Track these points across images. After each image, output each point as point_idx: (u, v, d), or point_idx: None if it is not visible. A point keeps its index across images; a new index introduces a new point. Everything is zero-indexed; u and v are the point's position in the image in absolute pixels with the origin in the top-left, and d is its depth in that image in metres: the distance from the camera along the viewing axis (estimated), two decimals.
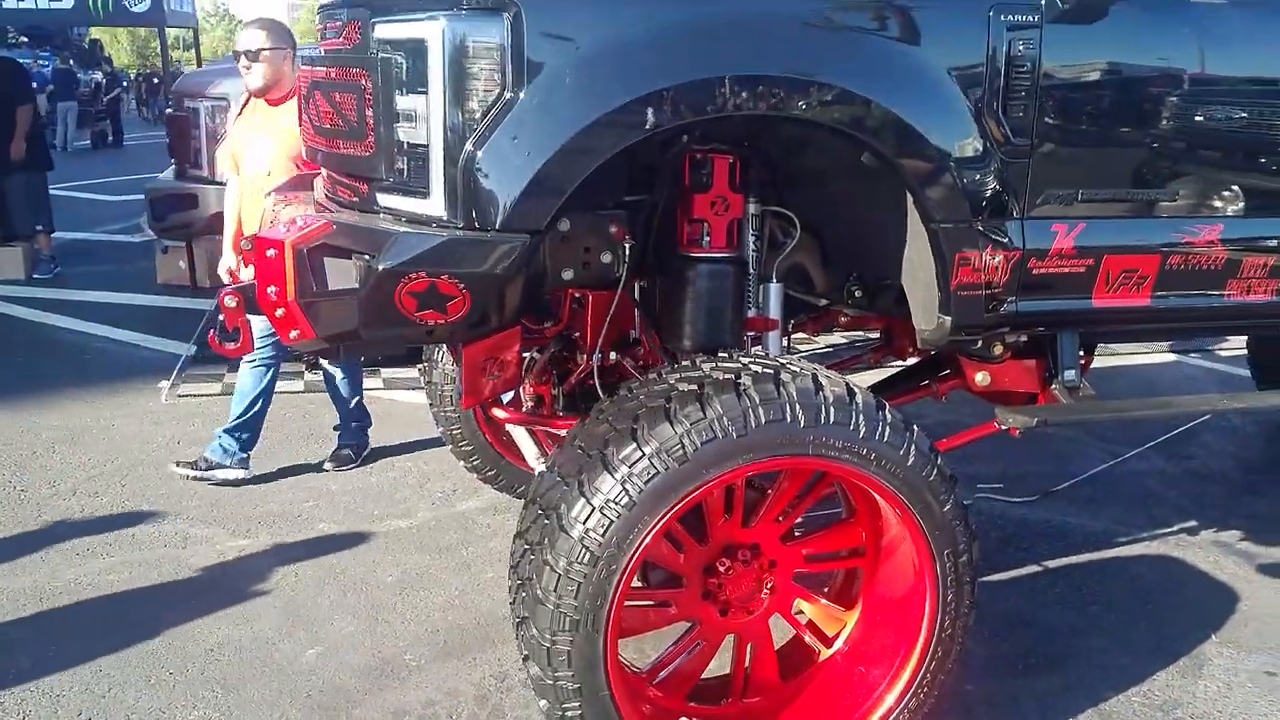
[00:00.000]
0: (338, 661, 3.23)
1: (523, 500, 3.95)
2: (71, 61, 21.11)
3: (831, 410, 2.33)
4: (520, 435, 3.64)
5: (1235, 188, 2.83)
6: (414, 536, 4.09)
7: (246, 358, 4.35)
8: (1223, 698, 3.15)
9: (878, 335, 3.87)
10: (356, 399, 4.84)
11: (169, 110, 6.54)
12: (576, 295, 3.07)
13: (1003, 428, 2.94)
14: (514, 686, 3.11)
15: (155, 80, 20.70)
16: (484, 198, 2.31)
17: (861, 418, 2.35)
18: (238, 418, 4.52)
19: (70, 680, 3.10)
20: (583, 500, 2.26)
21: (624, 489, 2.24)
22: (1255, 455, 5.39)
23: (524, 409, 3.65)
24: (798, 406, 2.30)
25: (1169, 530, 4.31)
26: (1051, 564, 3.99)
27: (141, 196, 7.31)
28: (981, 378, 3.10)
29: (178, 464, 4.54)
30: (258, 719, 2.95)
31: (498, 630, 3.40)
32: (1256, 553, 4.11)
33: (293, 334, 2.51)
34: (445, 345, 3.79)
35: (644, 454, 2.24)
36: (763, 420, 2.27)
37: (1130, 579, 3.90)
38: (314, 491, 4.51)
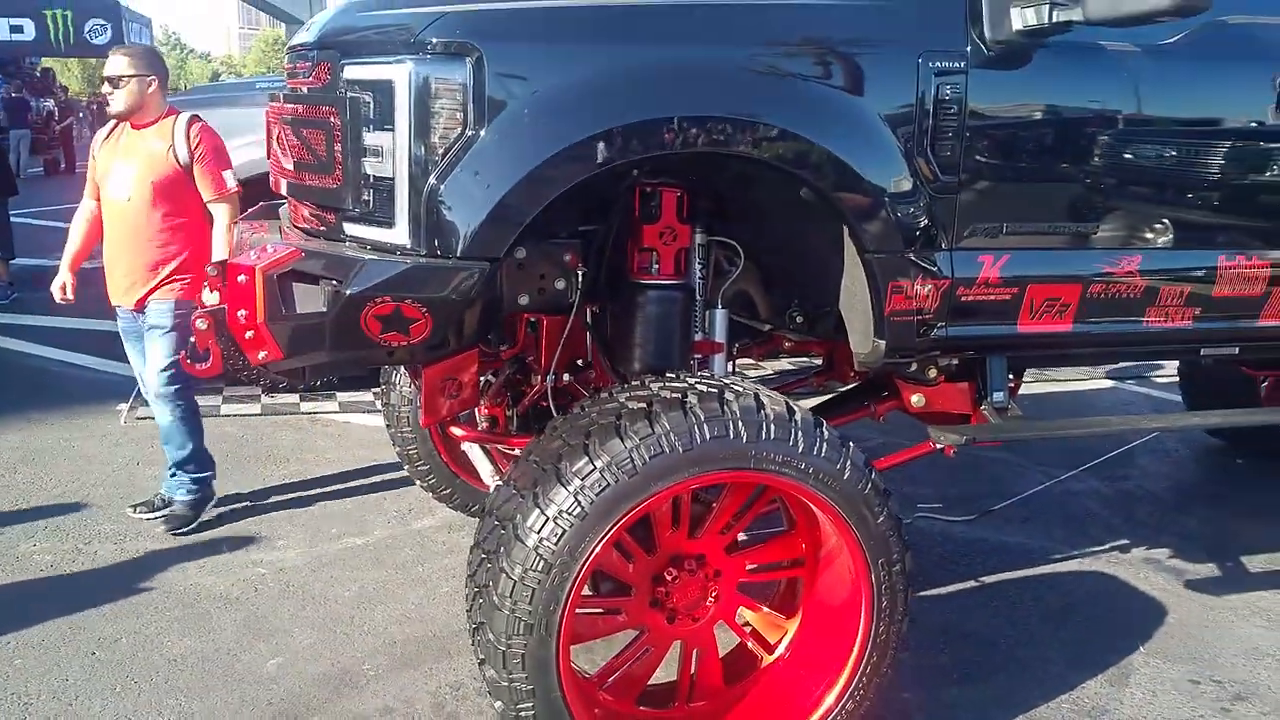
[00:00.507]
0: (298, 671, 3.32)
1: (477, 518, 4.10)
2: (24, 89, 21.01)
3: (772, 427, 2.49)
4: (476, 454, 3.76)
5: (1152, 222, 3.03)
6: (371, 553, 4.19)
7: (153, 393, 4.34)
8: (1148, 704, 3.33)
9: (820, 360, 4.04)
10: (195, 443, 4.43)
11: None
12: (531, 319, 3.21)
13: (938, 446, 3.12)
14: (469, 695, 3.22)
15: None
16: (446, 228, 2.46)
17: (800, 434, 2.52)
18: (180, 459, 4.41)
19: (38, 688, 3.18)
20: (537, 511, 2.40)
21: (576, 500, 2.38)
22: (1187, 476, 5.63)
23: (479, 429, 3.78)
24: (740, 423, 2.46)
25: (1101, 548, 4.51)
26: (987, 579, 4.17)
27: None
28: (917, 399, 3.28)
29: (134, 508, 4.44)
30: None
31: (453, 642, 3.52)
32: (1184, 569, 4.32)
33: (261, 355, 2.63)
34: (404, 367, 3.91)
35: (595, 467, 2.39)
36: (707, 436, 2.43)
37: (1063, 594, 4.08)
38: (273, 510, 4.60)
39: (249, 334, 2.60)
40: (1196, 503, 5.16)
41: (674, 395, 2.50)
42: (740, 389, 2.56)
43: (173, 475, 4.42)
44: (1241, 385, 5.36)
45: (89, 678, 3.26)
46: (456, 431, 3.36)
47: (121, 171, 4.27)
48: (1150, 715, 3.26)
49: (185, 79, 67.79)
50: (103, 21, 15.42)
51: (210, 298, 2.95)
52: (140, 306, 4.29)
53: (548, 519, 2.39)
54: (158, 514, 4.39)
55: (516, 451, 3.41)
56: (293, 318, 2.56)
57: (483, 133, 2.44)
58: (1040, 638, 3.71)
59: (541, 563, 2.38)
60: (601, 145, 2.45)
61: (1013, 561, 4.33)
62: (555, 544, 2.38)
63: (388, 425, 4.39)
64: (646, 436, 2.41)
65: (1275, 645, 3.68)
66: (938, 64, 2.70)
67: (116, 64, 4.25)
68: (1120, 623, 3.85)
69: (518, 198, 2.45)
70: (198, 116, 4.38)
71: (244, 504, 4.65)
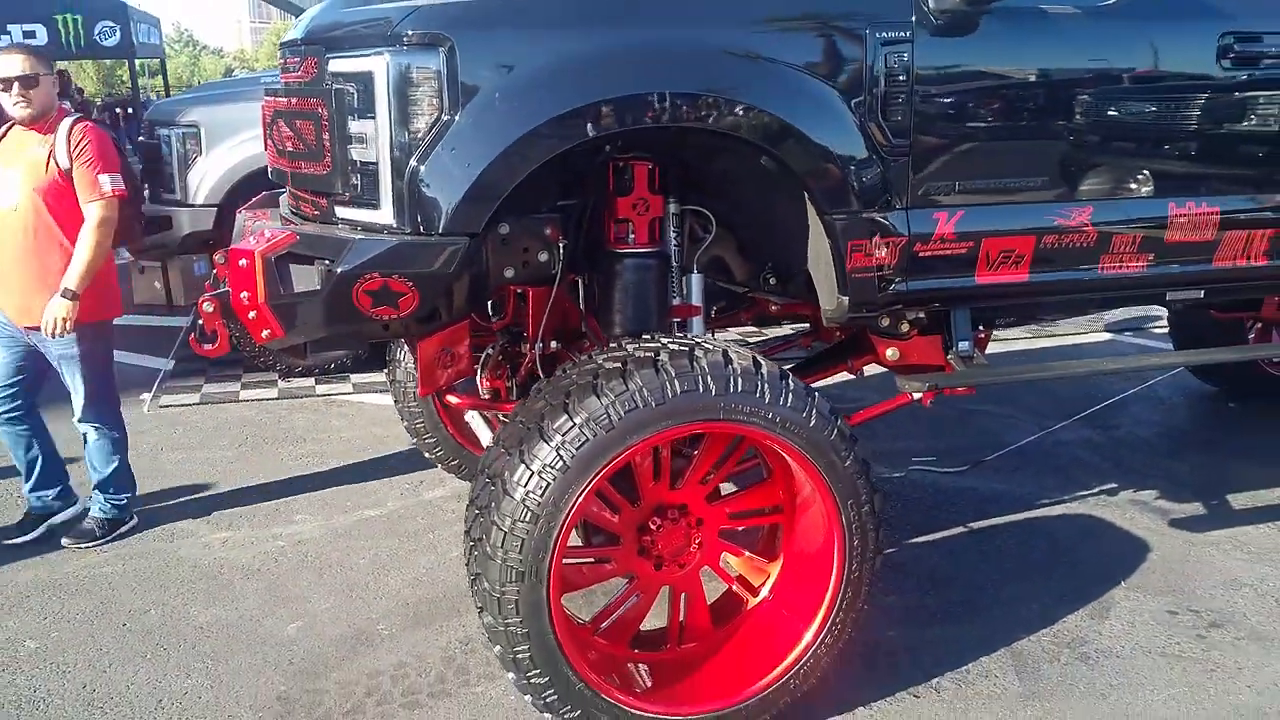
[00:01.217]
0: (317, 633, 3.53)
1: None
2: None
3: (739, 380, 2.66)
4: (478, 424, 3.95)
5: (1101, 174, 3.17)
6: (385, 524, 4.40)
7: (77, 417, 4.22)
8: (1126, 634, 3.49)
9: (808, 323, 4.21)
10: (116, 464, 4.29)
11: (142, 138, 6.84)
12: (519, 291, 3.39)
13: (915, 396, 3.28)
14: (477, 649, 3.42)
15: (118, 109, 20.88)
16: (428, 206, 2.64)
17: (766, 386, 2.69)
18: (100, 480, 4.30)
19: (74, 658, 3.40)
20: (523, 466, 2.59)
21: (559, 454, 2.56)
22: (1179, 422, 5.76)
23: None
24: (709, 377, 2.64)
25: (1089, 492, 4.66)
26: (976, 526, 4.33)
27: None
28: (891, 353, 3.43)
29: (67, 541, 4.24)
30: (245, 683, 3.26)
31: (463, 601, 3.71)
32: (1170, 509, 4.47)
33: (265, 333, 2.82)
34: (404, 342, 4.10)
35: (575, 423, 2.57)
36: (678, 390, 2.61)
37: (1048, 535, 4.25)
38: (290, 487, 4.81)
39: (252, 314, 2.79)
40: (1187, 448, 5.30)
41: (647, 354, 2.68)
42: (709, 346, 2.73)
43: (93, 494, 4.34)
44: (1228, 331, 5.49)
45: (121, 646, 3.48)
46: (453, 400, 3.55)
47: (8, 178, 3.99)
48: (1127, 644, 3.42)
49: (200, 75, 68.14)
50: (111, 23, 15.68)
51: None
52: (33, 329, 4.01)
53: (533, 473, 2.57)
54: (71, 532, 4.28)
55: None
56: (290, 297, 2.76)
57: (458, 116, 2.62)
58: (1025, 578, 3.87)
59: (529, 514, 2.57)
60: (568, 123, 2.63)
61: (1002, 509, 4.49)
62: (541, 496, 2.56)
63: (396, 401, 4.59)
64: (621, 393, 2.59)
65: (1253, 576, 3.84)
66: (885, 35, 2.84)
67: (17, 64, 3.92)
68: (1104, 561, 4.01)
69: (493, 175, 2.62)
70: (84, 117, 4.16)
71: (262, 482, 4.86)
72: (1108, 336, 7.35)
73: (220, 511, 4.53)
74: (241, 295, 2.80)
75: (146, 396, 6.10)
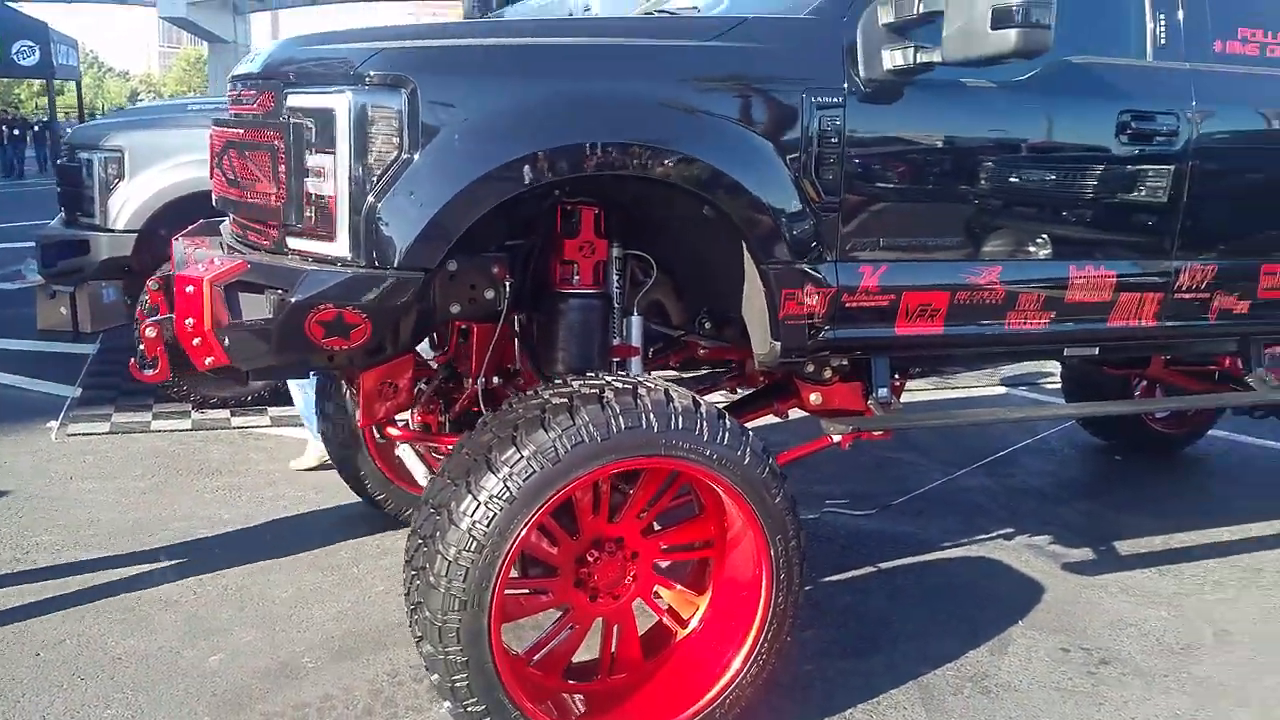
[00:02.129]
0: (239, 666, 3.52)
1: (410, 523, 4.34)
2: None
3: (680, 418, 2.79)
4: (410, 459, 3.99)
5: (1010, 236, 3.41)
6: (307, 559, 4.39)
7: None
8: (1023, 670, 3.69)
9: (734, 366, 4.37)
10: None
11: (61, 160, 6.74)
12: (463, 327, 3.48)
13: (833, 437, 3.45)
14: (405, 681, 3.45)
15: (18, 130, 20.31)
16: (383, 241, 2.72)
17: (705, 424, 2.83)
18: None
19: None
20: (470, 496, 2.66)
21: (505, 486, 2.65)
22: (1069, 473, 6.08)
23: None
24: (652, 415, 2.76)
25: (988, 536, 4.90)
26: (884, 566, 4.52)
27: (15, 246, 7.41)
28: (815, 398, 3.61)
29: None
30: (167, 714, 3.22)
31: (389, 635, 3.74)
32: (1062, 553, 4.73)
33: (208, 360, 2.86)
34: (340, 374, 4.14)
35: (522, 456, 2.67)
36: (623, 426, 2.72)
37: (951, 576, 4.46)
38: (207, 521, 4.75)
39: (196, 340, 2.83)
40: (1077, 497, 5.61)
41: (592, 391, 2.79)
42: (651, 385, 2.86)
43: None
44: (1116, 387, 5.84)
45: (37, 676, 3.41)
46: (393, 431, 3.60)
47: None
48: (1024, 678, 3.62)
49: (103, 98, 66.07)
50: (30, 43, 15.33)
51: None
52: None
53: (479, 503, 2.65)
54: None
55: (449, 449, 3.69)
56: (240, 324, 2.80)
57: (417, 156, 2.72)
58: (930, 616, 4.06)
59: (474, 543, 2.64)
60: (523, 168, 2.75)
61: (908, 550, 4.69)
62: (487, 526, 2.64)
63: (324, 435, 4.60)
64: (568, 427, 2.69)
65: (1138, 617, 4.09)
66: (820, 99, 3.05)
67: None
68: (1001, 601, 4.22)
69: (449, 215, 2.72)
70: None
71: (179, 514, 4.80)
72: (1003, 390, 7.71)
73: (135, 544, 4.46)
74: (186, 321, 2.83)
75: (54, 424, 5.97)
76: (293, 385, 5.34)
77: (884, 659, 3.72)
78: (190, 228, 4.01)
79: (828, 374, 3.50)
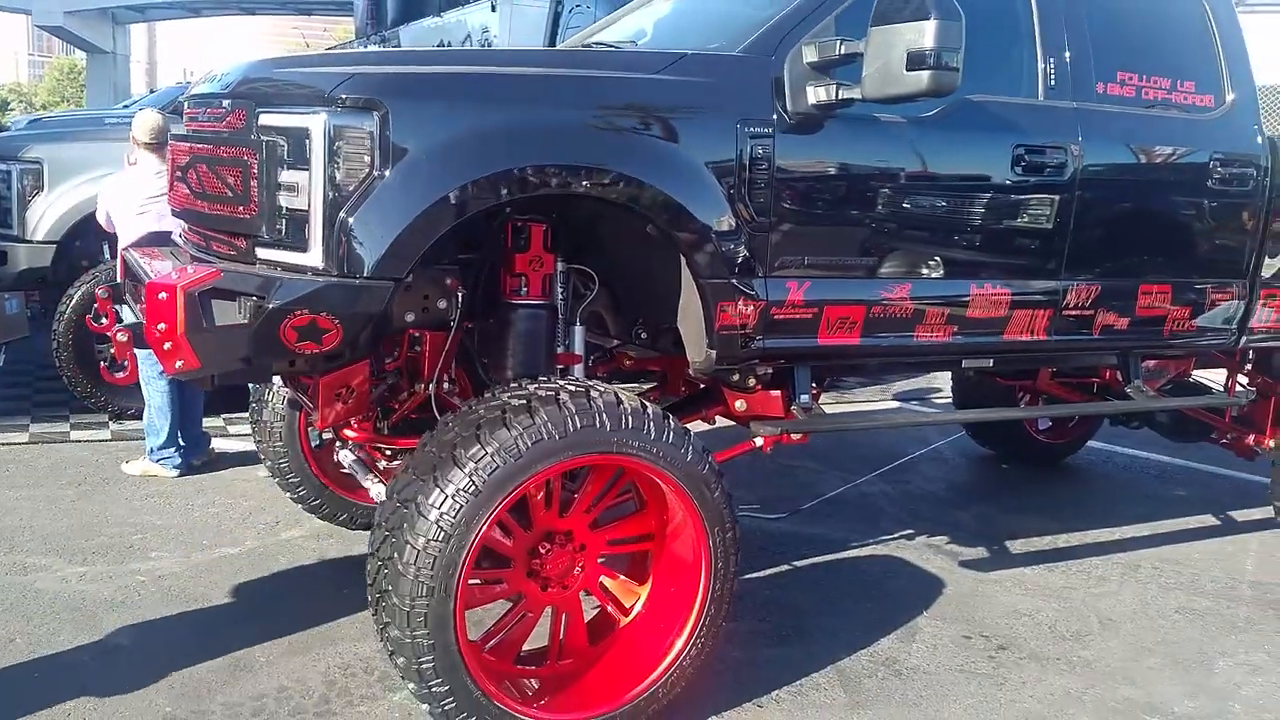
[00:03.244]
0: (193, 661, 3.62)
1: (345, 527, 4.53)
2: None
3: (630, 418, 3.05)
4: (352, 463, 4.14)
5: (919, 257, 3.74)
6: (246, 561, 4.50)
7: None
8: (931, 655, 4.02)
9: (656, 375, 4.65)
10: None
11: None
12: (414, 335, 3.67)
13: (758, 442, 3.74)
14: (357, 673, 3.61)
15: None
16: (356, 253, 2.92)
17: (652, 424, 3.09)
18: None
19: None
20: (438, 490, 2.87)
21: (471, 479, 2.86)
22: (961, 480, 6.53)
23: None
24: (604, 415, 3.01)
25: (891, 537, 5.27)
26: (799, 564, 4.84)
27: None
28: (740, 404, 3.90)
29: None
30: (129, 706, 3.33)
31: (337, 631, 3.89)
32: (959, 551, 5.11)
33: (178, 364, 2.99)
34: (286, 381, 4.26)
35: (487, 452, 2.88)
36: (579, 425, 2.96)
37: (860, 573, 4.80)
38: (140, 526, 4.82)
39: (167, 345, 2.96)
40: (970, 501, 6.04)
41: (549, 393, 3.02)
42: (602, 389, 3.10)
43: None
44: (1003, 398, 6.29)
45: None
46: (349, 433, 3.76)
47: None
48: (932, 662, 3.96)
49: None
50: None
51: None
52: None
53: (447, 496, 2.86)
54: None
55: (389, 455, 3.88)
56: (214, 329, 2.95)
57: (388, 174, 2.92)
58: (842, 608, 4.38)
59: (442, 533, 2.85)
60: (488, 186, 2.97)
61: (819, 549, 5.02)
62: (454, 517, 2.85)
63: (258, 441, 4.71)
64: (529, 426, 2.92)
65: (1030, 608, 4.48)
66: (752, 129, 3.34)
67: None
68: (907, 594, 4.57)
69: (417, 229, 2.93)
70: None
71: (111, 520, 4.85)
72: (896, 404, 8.17)
73: (71, 548, 4.50)
74: (158, 327, 2.96)
75: None
76: (154, 392, 5.42)
77: (804, 647, 4.02)
78: (138, 239, 4.13)
79: (751, 382, 3.79)
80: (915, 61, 3.13)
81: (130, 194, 5.33)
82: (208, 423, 5.98)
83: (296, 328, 2.92)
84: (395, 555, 2.90)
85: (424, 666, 2.92)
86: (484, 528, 2.89)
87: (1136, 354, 4.46)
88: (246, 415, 6.44)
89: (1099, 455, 7.05)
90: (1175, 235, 4.28)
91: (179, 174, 3.44)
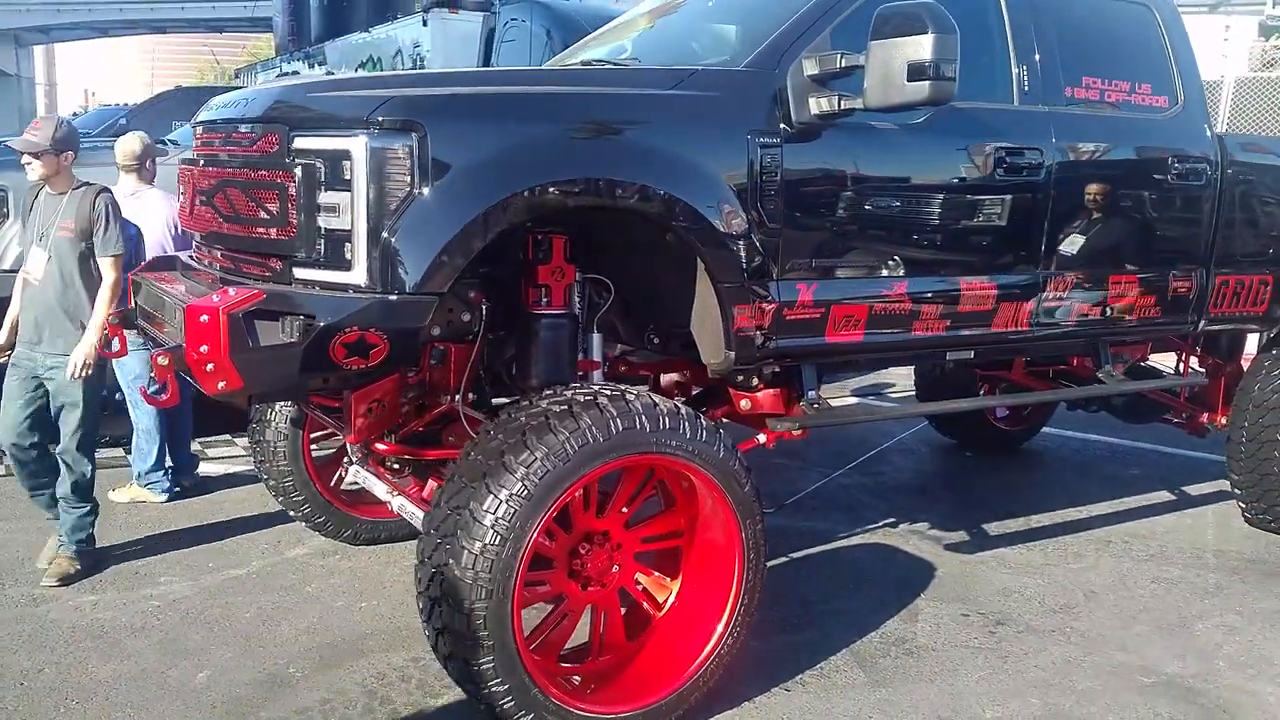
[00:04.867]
0: (229, 680, 3.67)
1: (349, 544, 4.56)
2: None
3: (666, 419, 3.19)
4: (366, 478, 4.20)
5: (914, 256, 3.95)
6: (256, 580, 4.53)
7: None
8: (935, 633, 4.22)
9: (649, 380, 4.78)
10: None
11: None
12: (437, 348, 3.76)
13: (760, 435, 3.91)
14: (394, 682, 3.68)
15: None
16: (400, 270, 3.02)
17: (687, 424, 3.23)
18: None
19: None
20: (491, 495, 2.97)
21: (524, 484, 2.97)
22: (929, 469, 6.78)
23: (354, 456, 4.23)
24: (644, 417, 3.14)
25: (875, 525, 5.48)
26: (795, 555, 5.01)
27: None
28: (745, 404, 4.05)
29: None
30: None
31: (363, 644, 3.96)
32: (941, 536, 5.34)
33: (220, 385, 3.06)
34: (297, 401, 4.32)
35: (536, 457, 3.00)
36: (621, 427, 3.09)
37: (853, 561, 5.00)
38: (141, 551, 4.80)
39: (209, 366, 3.02)
40: (940, 488, 6.31)
41: (588, 398, 3.15)
42: (636, 392, 3.24)
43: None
44: (963, 389, 6.55)
45: (27, 705, 3.47)
46: (380, 446, 3.82)
47: None
48: (938, 640, 4.16)
49: None
50: None
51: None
52: None
53: (501, 501, 2.96)
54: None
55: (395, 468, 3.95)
56: (260, 349, 3.02)
57: (427, 192, 3.03)
58: (844, 594, 4.57)
59: (498, 537, 2.95)
60: (523, 201, 3.09)
61: (811, 541, 5.21)
62: (509, 521, 2.96)
63: (260, 461, 4.73)
64: (574, 430, 3.04)
65: (1019, 585, 4.71)
66: (762, 140, 3.51)
67: None
68: (901, 579, 4.78)
69: (458, 245, 3.04)
70: None
71: (111, 546, 4.82)
72: (854, 400, 8.42)
73: (77, 576, 4.47)
74: (200, 349, 3.02)
75: None
76: (142, 415, 5.45)
77: (816, 632, 4.19)
78: (144, 264, 4.14)
79: (755, 382, 3.95)
80: (916, 73, 3.33)
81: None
82: None
83: (345, 344, 3.01)
84: (451, 561, 2.99)
85: (483, 668, 3.02)
86: (538, 530, 3.01)
87: (1106, 341, 4.72)
88: (223, 438, 6.56)
89: (1053, 440, 7.37)
90: (1139, 228, 4.56)
91: (202, 198, 3.49)
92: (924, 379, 6.97)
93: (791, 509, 5.69)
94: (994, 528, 5.49)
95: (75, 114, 15.95)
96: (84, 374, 4.33)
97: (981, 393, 6.64)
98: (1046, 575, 4.84)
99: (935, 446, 7.16)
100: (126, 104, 14.68)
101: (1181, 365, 5.72)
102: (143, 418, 5.42)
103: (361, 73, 11.71)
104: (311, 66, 14.12)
